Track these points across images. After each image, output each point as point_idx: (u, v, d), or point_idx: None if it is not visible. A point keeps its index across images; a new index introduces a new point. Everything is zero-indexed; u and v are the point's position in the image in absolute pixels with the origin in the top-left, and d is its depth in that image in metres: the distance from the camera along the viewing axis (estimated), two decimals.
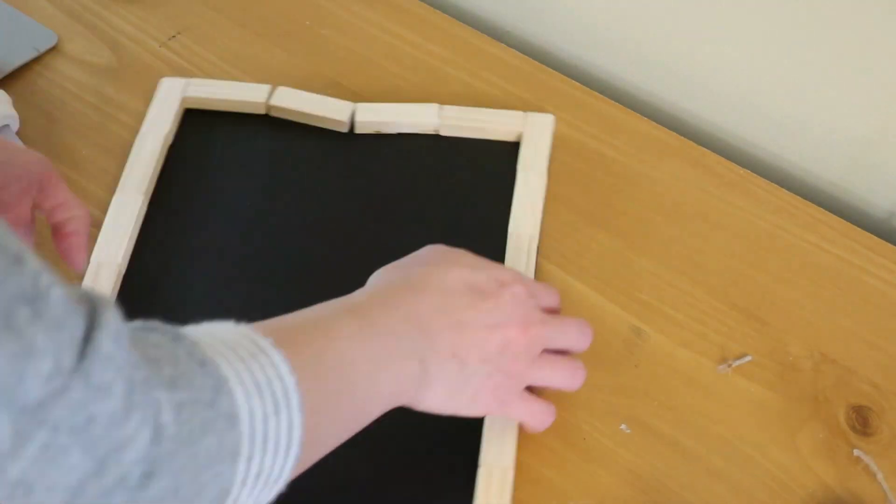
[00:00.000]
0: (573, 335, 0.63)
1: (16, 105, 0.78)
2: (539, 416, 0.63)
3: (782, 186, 0.79)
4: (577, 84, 0.84)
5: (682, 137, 0.81)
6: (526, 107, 0.81)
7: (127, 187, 0.73)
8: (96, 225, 0.70)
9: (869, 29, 0.72)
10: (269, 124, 0.78)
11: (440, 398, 0.58)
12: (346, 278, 0.60)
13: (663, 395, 0.68)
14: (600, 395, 0.67)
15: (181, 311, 0.66)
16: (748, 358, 0.67)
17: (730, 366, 0.67)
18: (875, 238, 0.76)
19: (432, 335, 0.57)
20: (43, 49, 0.81)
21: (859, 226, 0.77)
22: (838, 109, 0.78)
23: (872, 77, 0.75)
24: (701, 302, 0.72)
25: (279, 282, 0.71)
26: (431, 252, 0.63)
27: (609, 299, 0.72)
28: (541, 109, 0.81)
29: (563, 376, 0.63)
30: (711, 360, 0.69)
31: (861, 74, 0.75)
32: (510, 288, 0.60)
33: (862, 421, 0.67)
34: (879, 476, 0.65)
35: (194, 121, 0.78)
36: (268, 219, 0.74)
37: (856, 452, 0.66)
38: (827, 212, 0.78)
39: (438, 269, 0.60)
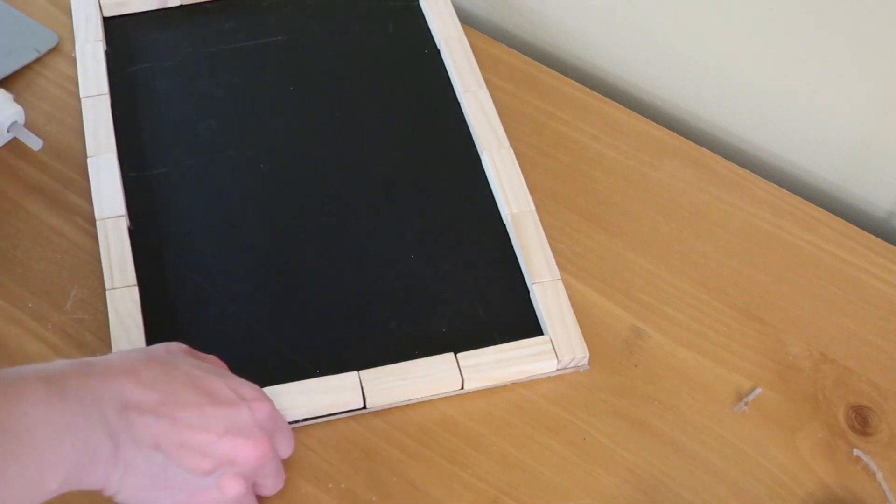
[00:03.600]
0: (276, 479, 0.61)
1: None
2: None
3: (782, 186, 0.79)
4: (577, 84, 0.84)
5: (682, 137, 0.81)
6: (526, 107, 0.82)
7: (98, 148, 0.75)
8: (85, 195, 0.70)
9: (869, 29, 0.72)
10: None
11: (142, 492, 0.53)
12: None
13: (663, 395, 0.68)
14: (600, 395, 0.67)
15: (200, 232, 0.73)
16: (758, 391, 0.68)
17: (746, 403, 0.67)
18: (875, 238, 0.76)
19: (131, 418, 0.52)
20: (44, 50, 0.81)
21: (859, 226, 0.77)
22: (838, 110, 0.78)
23: (872, 77, 0.75)
24: (701, 302, 0.72)
25: (270, 176, 0.76)
26: (166, 348, 0.59)
27: (609, 299, 0.72)
28: (541, 109, 0.82)
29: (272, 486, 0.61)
30: (711, 360, 0.69)
31: (861, 75, 0.75)
32: (253, 403, 0.57)
33: (861, 421, 0.67)
34: (879, 476, 0.65)
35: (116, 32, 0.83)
36: (240, 101, 0.79)
37: (855, 452, 0.66)
38: (827, 212, 0.78)
39: (165, 358, 0.56)
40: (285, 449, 0.61)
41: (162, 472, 0.53)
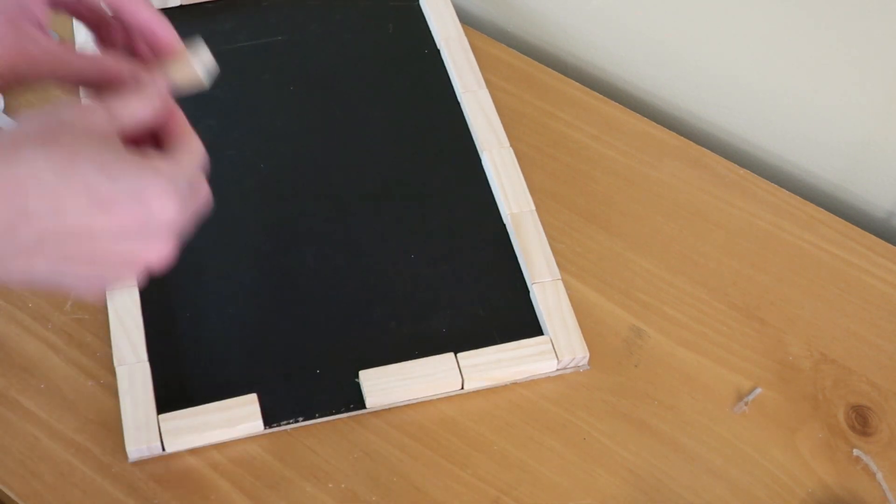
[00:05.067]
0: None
1: (16, 105, 0.78)
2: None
3: (782, 186, 0.79)
4: (577, 84, 0.84)
5: (682, 137, 0.81)
6: (526, 107, 0.82)
7: None
8: None
9: (869, 29, 0.72)
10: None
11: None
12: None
13: (663, 395, 0.68)
14: (600, 395, 0.67)
15: None
16: (758, 391, 0.68)
17: (746, 403, 0.67)
18: (875, 238, 0.76)
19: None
20: None
21: (859, 226, 0.77)
22: (838, 110, 0.78)
23: (872, 77, 0.75)
24: (701, 302, 0.72)
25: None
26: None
27: (609, 299, 0.72)
28: (541, 109, 0.82)
29: None
30: (711, 360, 0.70)
31: (861, 75, 0.75)
32: (155, 210, 0.48)
33: (861, 421, 0.67)
34: (879, 476, 0.65)
35: None
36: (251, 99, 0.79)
37: (855, 452, 0.66)
38: (827, 212, 0.78)
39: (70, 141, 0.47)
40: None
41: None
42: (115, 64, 0.54)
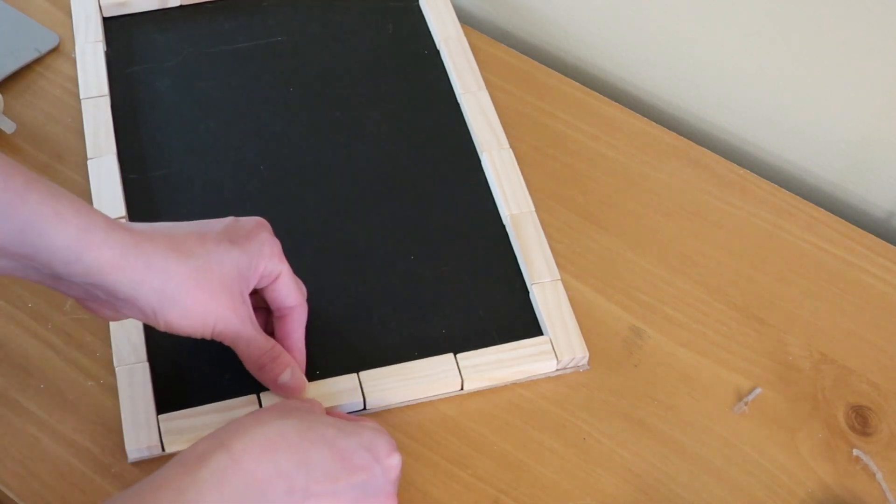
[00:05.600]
0: None
1: (16, 105, 0.78)
2: None
3: (782, 186, 0.79)
4: (577, 84, 0.84)
5: (682, 137, 0.81)
6: (526, 107, 0.82)
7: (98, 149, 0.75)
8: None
9: (869, 29, 0.72)
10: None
11: None
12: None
13: (663, 395, 0.68)
14: (600, 395, 0.67)
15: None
16: (758, 391, 0.68)
17: (746, 403, 0.67)
18: (875, 238, 0.76)
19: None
20: (44, 50, 0.81)
21: (859, 226, 0.77)
22: (838, 109, 0.78)
23: (872, 77, 0.75)
24: (701, 302, 0.72)
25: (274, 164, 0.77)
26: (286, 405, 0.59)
27: (609, 299, 0.72)
28: (541, 109, 0.82)
29: None
30: (711, 360, 0.69)
31: (861, 74, 0.75)
32: (385, 462, 0.56)
33: (861, 421, 0.67)
34: (879, 476, 0.65)
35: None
36: (235, 102, 0.79)
37: (855, 452, 0.66)
38: (827, 212, 0.78)
39: (300, 413, 0.56)
40: None
41: None
42: (280, 353, 0.62)
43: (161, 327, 0.57)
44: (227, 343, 0.60)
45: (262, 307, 0.64)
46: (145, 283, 0.54)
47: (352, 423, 0.57)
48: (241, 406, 0.64)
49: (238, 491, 0.50)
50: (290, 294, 0.63)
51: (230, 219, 0.61)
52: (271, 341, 0.62)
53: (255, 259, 0.59)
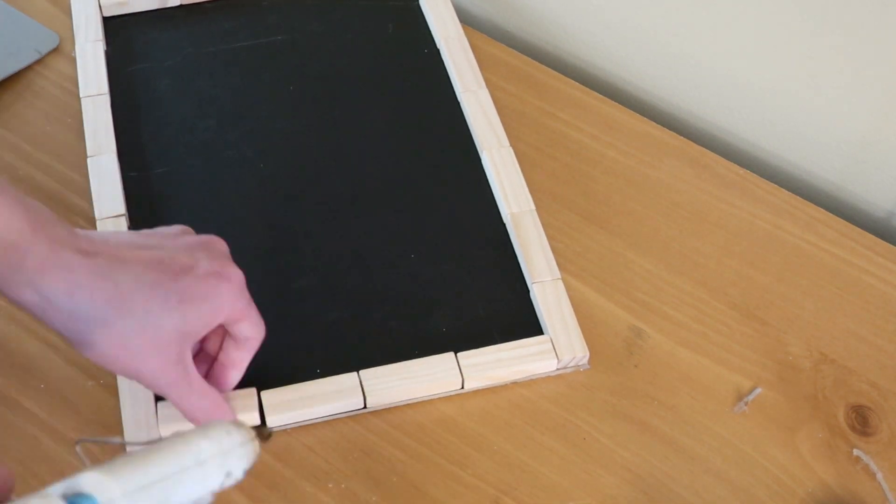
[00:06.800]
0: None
1: (16, 105, 0.78)
2: None
3: (782, 186, 0.79)
4: (577, 84, 0.84)
5: (682, 137, 0.81)
6: (526, 107, 0.82)
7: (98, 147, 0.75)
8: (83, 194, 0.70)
9: (868, 29, 0.72)
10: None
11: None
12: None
13: (663, 395, 0.68)
14: (600, 395, 0.67)
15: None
16: (758, 391, 0.68)
17: (746, 403, 0.67)
18: (875, 238, 0.76)
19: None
20: (45, 51, 0.81)
21: (859, 226, 0.77)
22: (838, 109, 0.78)
23: (872, 77, 0.75)
24: (701, 302, 0.72)
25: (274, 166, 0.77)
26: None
27: (609, 299, 0.72)
28: (541, 109, 0.82)
29: None
30: (711, 360, 0.70)
31: (861, 74, 0.75)
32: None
33: (861, 421, 0.67)
34: (879, 476, 0.65)
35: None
36: (233, 104, 0.79)
37: (855, 452, 0.66)
38: (827, 212, 0.78)
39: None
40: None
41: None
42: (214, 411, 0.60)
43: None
44: None
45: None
46: (72, 319, 0.53)
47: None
48: (240, 405, 0.64)
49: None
50: (250, 330, 0.61)
51: (194, 259, 0.59)
52: (207, 397, 0.59)
53: (208, 318, 0.57)
